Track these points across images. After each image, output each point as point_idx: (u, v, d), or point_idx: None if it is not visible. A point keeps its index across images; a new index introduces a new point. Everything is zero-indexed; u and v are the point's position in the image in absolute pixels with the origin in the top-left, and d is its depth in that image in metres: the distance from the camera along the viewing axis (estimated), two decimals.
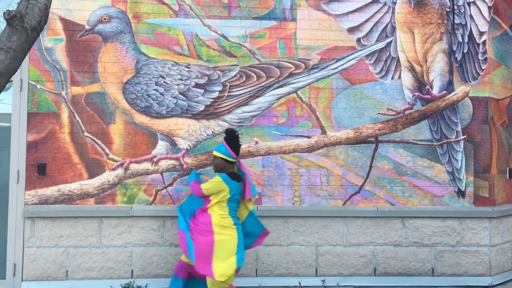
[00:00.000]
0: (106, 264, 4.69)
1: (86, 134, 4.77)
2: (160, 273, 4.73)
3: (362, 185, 5.00)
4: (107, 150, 4.77)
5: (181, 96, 4.86)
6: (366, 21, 5.09)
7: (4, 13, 2.83)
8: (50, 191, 4.70)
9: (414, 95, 5.09)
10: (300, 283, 4.78)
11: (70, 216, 4.67)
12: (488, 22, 5.21)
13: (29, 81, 4.74)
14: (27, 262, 4.63)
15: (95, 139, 4.77)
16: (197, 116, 4.86)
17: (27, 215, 4.62)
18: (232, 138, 4.13)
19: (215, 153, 4.11)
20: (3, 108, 4.80)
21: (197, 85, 4.88)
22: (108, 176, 4.76)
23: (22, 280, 4.63)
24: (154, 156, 4.80)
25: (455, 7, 5.17)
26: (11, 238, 4.66)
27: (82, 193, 4.73)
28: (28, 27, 2.85)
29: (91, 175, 4.75)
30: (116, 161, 4.77)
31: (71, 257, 4.68)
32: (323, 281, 4.78)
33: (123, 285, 4.61)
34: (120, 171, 4.77)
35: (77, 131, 4.77)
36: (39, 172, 4.69)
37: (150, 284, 4.67)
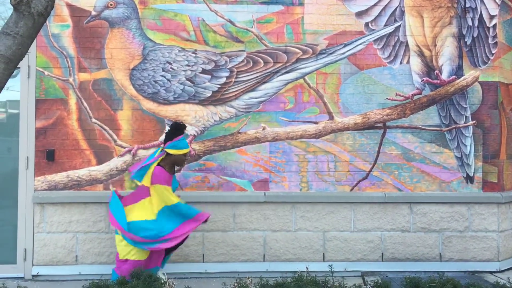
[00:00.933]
0: (115, 249, 4.72)
1: (94, 120, 4.79)
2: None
3: (369, 171, 4.98)
4: (115, 137, 4.79)
5: (188, 82, 4.85)
6: (375, 5, 5.03)
7: None
8: (59, 177, 4.74)
9: (423, 80, 5.04)
10: (307, 268, 4.79)
11: (79, 201, 4.71)
12: (498, 5, 5.12)
13: (37, 67, 4.75)
14: (37, 247, 4.69)
15: (103, 125, 4.79)
16: (204, 102, 4.86)
17: (37, 200, 4.67)
18: (181, 131, 4.24)
19: (185, 151, 4.22)
20: (11, 95, 4.81)
21: (204, 71, 4.87)
22: (116, 162, 4.78)
23: (32, 265, 4.70)
24: (162, 142, 4.81)
25: None
26: (21, 223, 4.71)
27: (91, 179, 4.77)
28: (34, 12, 2.85)
29: (100, 161, 4.77)
30: (124, 147, 4.79)
31: (81, 242, 4.73)
32: (331, 266, 4.79)
33: None
34: (128, 157, 4.79)
35: (85, 117, 4.78)
36: (48, 158, 4.72)
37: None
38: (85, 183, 4.76)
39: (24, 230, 4.72)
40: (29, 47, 2.97)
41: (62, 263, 4.71)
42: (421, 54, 5.05)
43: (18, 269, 4.70)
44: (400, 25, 5.04)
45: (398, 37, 5.04)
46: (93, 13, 4.81)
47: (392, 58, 5.04)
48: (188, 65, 4.86)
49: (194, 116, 4.84)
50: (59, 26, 4.79)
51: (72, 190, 4.75)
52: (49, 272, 4.68)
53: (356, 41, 5.01)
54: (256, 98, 4.92)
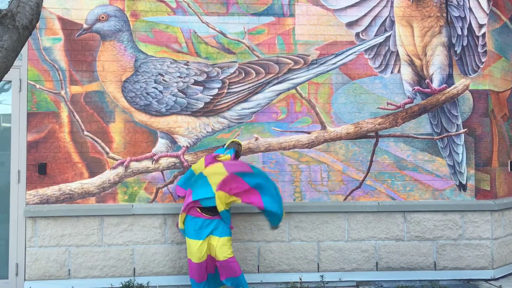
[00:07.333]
0: (108, 262, 4.70)
1: (86, 133, 4.77)
2: (162, 270, 4.74)
3: (363, 180, 4.99)
4: (107, 149, 4.78)
5: (180, 93, 4.86)
6: (365, 15, 5.07)
7: None
8: (51, 190, 4.71)
9: (414, 89, 5.07)
10: (301, 279, 4.78)
11: (71, 215, 4.68)
12: (487, 14, 5.18)
13: (28, 81, 4.74)
14: (29, 261, 4.65)
15: (95, 138, 4.78)
16: (196, 113, 4.86)
17: (29, 214, 4.63)
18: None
19: None
20: (3, 109, 4.80)
21: (196, 83, 4.88)
22: (108, 175, 4.76)
23: (24, 279, 4.65)
24: (154, 154, 4.80)
25: (453, 0, 5.14)
26: (13, 238, 4.68)
27: (83, 192, 4.74)
28: (19, 26, 2.84)
29: (92, 174, 4.75)
30: (116, 160, 4.78)
31: (73, 256, 4.69)
32: (322, 276, 4.78)
33: (124, 283, 4.62)
34: (120, 169, 4.77)
35: (77, 130, 4.77)
36: (40, 171, 4.69)
37: (151, 282, 4.68)
38: (77, 196, 4.74)
39: (16, 245, 4.68)
40: (14, 61, 2.95)
41: (54, 278, 4.66)
42: (411, 63, 5.08)
43: (10, 284, 4.65)
44: (390, 35, 5.08)
45: (389, 46, 5.08)
46: (85, 26, 4.82)
47: (383, 67, 5.07)
48: (180, 77, 4.87)
49: (186, 128, 4.84)
50: (50, 39, 4.80)
51: (64, 203, 4.72)
52: (41, 287, 4.63)
53: (347, 51, 5.04)
54: (248, 109, 4.93)
